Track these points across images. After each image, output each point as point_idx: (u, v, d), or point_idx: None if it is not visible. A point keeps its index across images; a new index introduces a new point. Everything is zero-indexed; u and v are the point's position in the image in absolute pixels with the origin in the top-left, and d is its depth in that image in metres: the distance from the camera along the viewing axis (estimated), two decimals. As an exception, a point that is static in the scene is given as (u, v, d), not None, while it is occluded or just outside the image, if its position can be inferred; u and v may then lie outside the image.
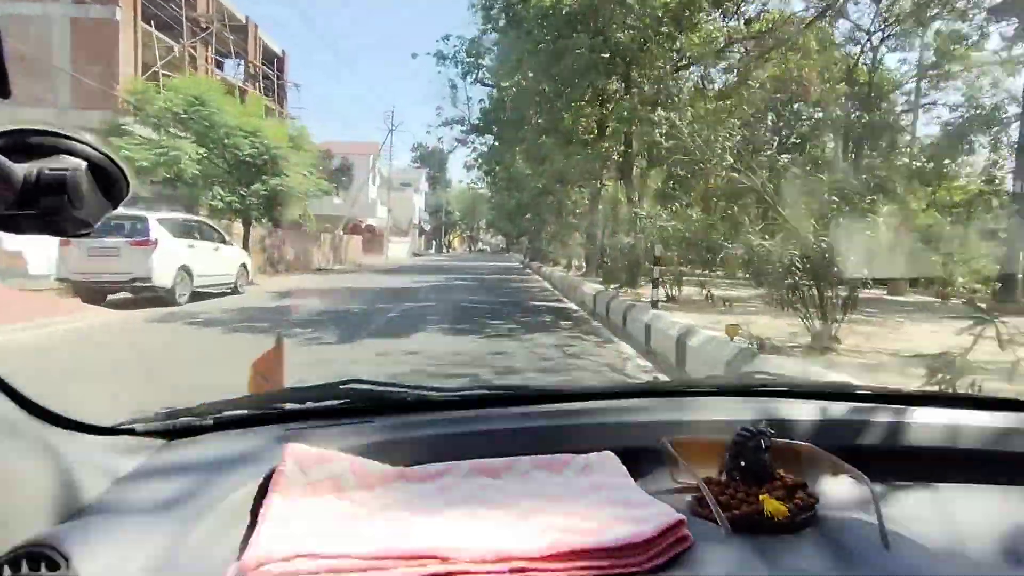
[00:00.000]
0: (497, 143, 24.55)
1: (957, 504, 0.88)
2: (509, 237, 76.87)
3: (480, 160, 27.04)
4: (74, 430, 0.79)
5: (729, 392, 1.20)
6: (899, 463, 0.94)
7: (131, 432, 0.90)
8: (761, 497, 0.79)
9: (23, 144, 0.51)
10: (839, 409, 1.08)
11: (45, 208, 0.50)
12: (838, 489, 0.86)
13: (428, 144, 31.44)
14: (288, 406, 1.04)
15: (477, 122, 25.46)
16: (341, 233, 33.30)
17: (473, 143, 26.66)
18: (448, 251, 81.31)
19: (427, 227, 70.13)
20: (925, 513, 0.85)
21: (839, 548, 0.74)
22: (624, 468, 0.88)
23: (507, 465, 0.88)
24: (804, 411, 1.07)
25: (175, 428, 0.94)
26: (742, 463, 0.84)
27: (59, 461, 0.70)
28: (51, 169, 0.50)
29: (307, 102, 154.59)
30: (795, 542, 0.75)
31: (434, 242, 75.20)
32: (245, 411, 1.01)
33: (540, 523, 0.73)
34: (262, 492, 0.78)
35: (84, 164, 0.52)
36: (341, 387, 1.06)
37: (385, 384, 1.11)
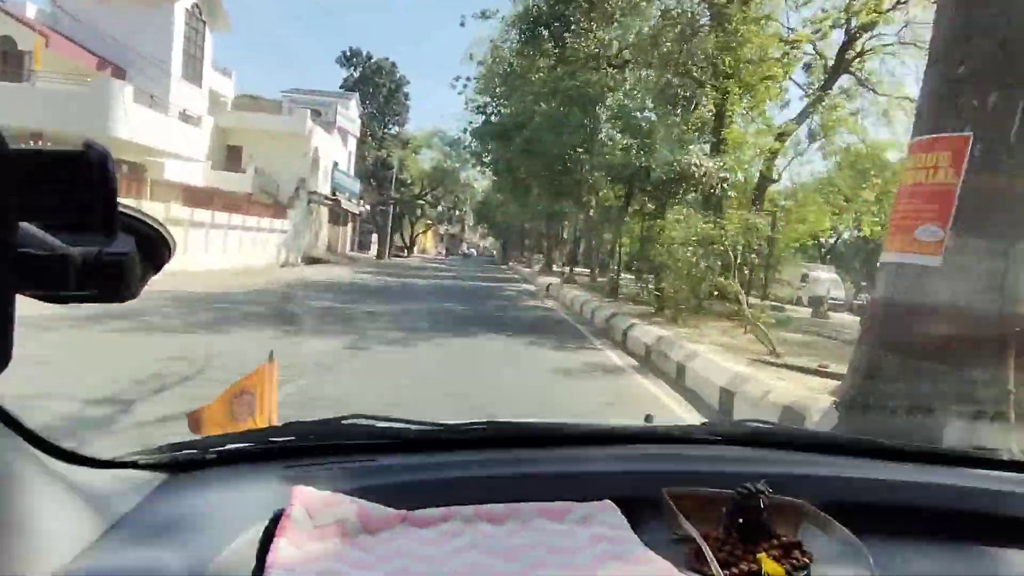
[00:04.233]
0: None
1: (950, 565, 0.90)
2: (506, 239, 47.06)
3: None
4: (74, 463, 0.76)
5: (728, 442, 1.21)
6: (894, 520, 0.96)
7: (133, 465, 0.89)
8: (759, 556, 0.80)
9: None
10: (836, 463, 1.10)
11: (101, 290, 0.49)
12: (832, 548, 0.86)
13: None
14: (290, 441, 1.04)
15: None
16: None
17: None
18: (407, 254, 47.41)
19: (359, 206, 36.09)
20: (919, 574, 0.87)
21: None
22: (624, 520, 0.89)
23: (510, 512, 0.88)
24: (801, 464, 1.10)
25: (177, 462, 0.93)
26: (740, 520, 0.86)
27: (59, 496, 0.69)
28: (109, 253, 0.49)
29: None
30: None
31: (375, 237, 41.64)
32: (248, 446, 1.02)
33: None
34: (268, 535, 0.77)
35: (134, 240, 0.52)
36: (343, 423, 1.08)
37: (387, 420, 1.10)
